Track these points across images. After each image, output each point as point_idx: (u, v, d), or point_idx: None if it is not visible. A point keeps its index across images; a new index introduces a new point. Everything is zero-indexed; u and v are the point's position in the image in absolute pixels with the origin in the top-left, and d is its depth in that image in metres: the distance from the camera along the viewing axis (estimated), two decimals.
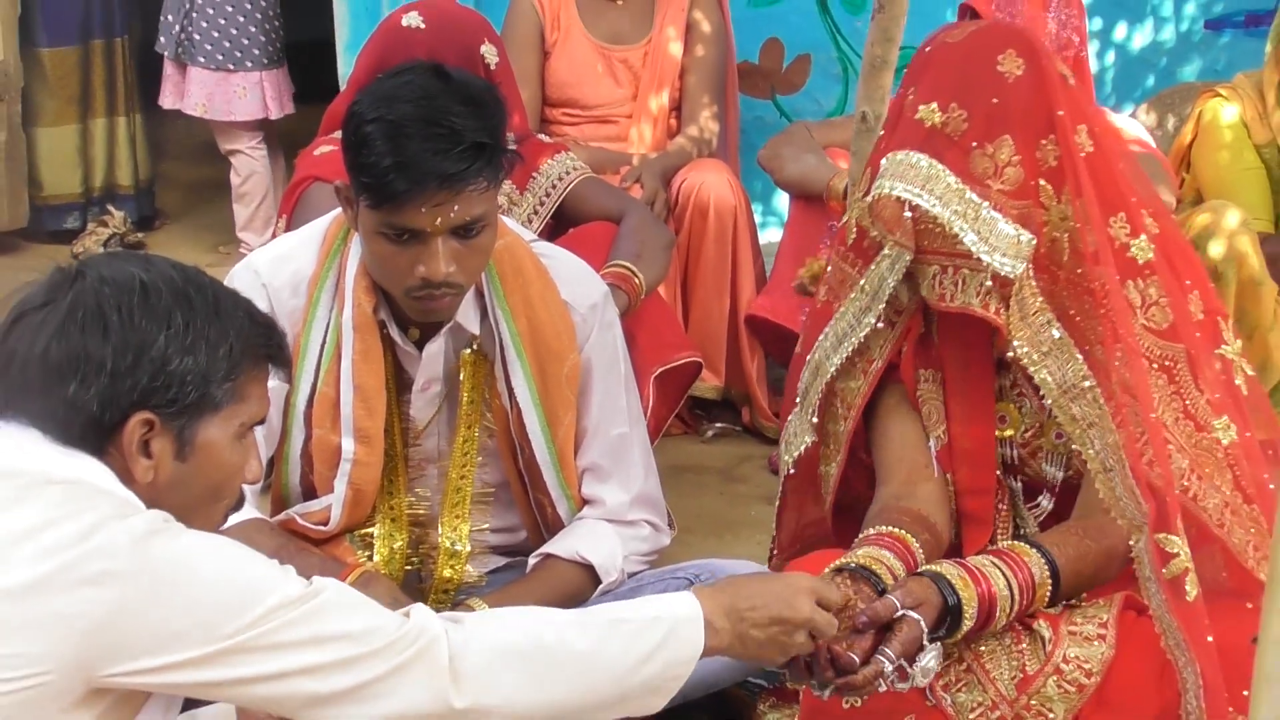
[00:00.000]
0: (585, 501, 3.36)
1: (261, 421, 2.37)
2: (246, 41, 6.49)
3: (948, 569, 2.89)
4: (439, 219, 2.94)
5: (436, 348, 3.22)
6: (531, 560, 3.28)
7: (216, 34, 6.45)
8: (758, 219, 5.02)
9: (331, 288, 3.22)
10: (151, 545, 2.07)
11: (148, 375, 2.17)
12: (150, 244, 6.87)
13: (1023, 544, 3.00)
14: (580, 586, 3.25)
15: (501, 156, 3.03)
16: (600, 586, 3.28)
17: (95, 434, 2.16)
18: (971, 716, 3.01)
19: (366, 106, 3.01)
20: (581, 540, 3.27)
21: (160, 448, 2.20)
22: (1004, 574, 2.93)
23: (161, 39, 6.57)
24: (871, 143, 3.98)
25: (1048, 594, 2.98)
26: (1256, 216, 4.71)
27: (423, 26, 4.06)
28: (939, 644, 2.83)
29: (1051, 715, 2.97)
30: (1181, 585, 2.85)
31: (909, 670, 2.77)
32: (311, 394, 3.24)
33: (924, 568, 2.94)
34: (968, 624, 2.87)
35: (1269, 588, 2.07)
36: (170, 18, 6.50)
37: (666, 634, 2.41)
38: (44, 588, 2.02)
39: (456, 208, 2.94)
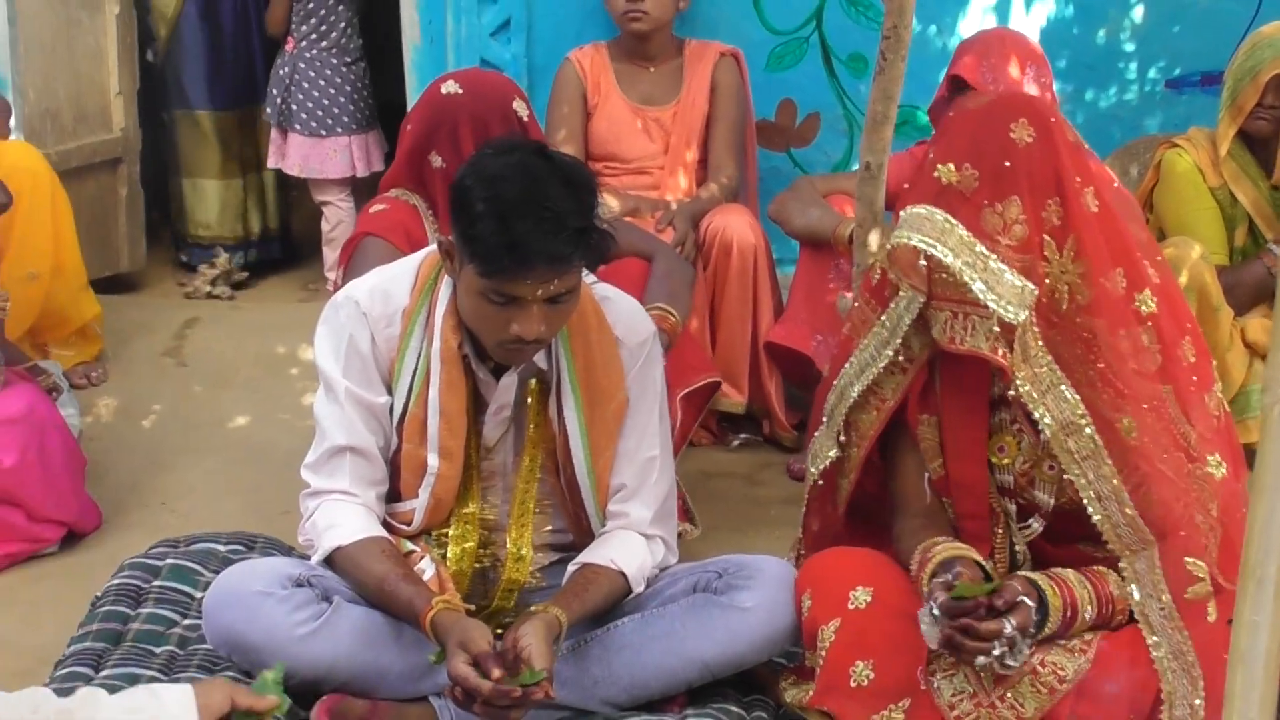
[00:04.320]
0: (611, 514, 3.33)
1: None
2: (337, 110, 6.59)
3: (1039, 577, 2.96)
4: (540, 291, 2.95)
5: (509, 380, 3.23)
6: (571, 568, 3.25)
7: (311, 104, 6.55)
8: (775, 257, 4.99)
9: (423, 321, 3.21)
10: None
11: None
12: (255, 281, 6.97)
13: (1104, 567, 3.01)
14: (619, 591, 3.23)
15: (598, 239, 3.02)
16: (630, 597, 3.26)
17: None
18: (953, 700, 3.01)
19: (475, 183, 2.99)
20: (616, 551, 3.25)
21: None
22: (1086, 588, 2.97)
23: (268, 109, 6.66)
24: (875, 189, 3.99)
25: (1125, 609, 3.00)
26: (1214, 251, 4.71)
27: (460, 92, 4.02)
28: (1032, 641, 2.89)
29: (1022, 710, 2.97)
30: (1203, 609, 2.83)
31: (1017, 647, 2.85)
32: (404, 413, 3.23)
33: (1024, 573, 3.01)
34: (1052, 626, 2.93)
35: (1241, 577, 2.02)
36: (274, 90, 6.61)
37: None
38: None
39: (556, 282, 2.95)
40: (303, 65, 6.55)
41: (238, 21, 6.80)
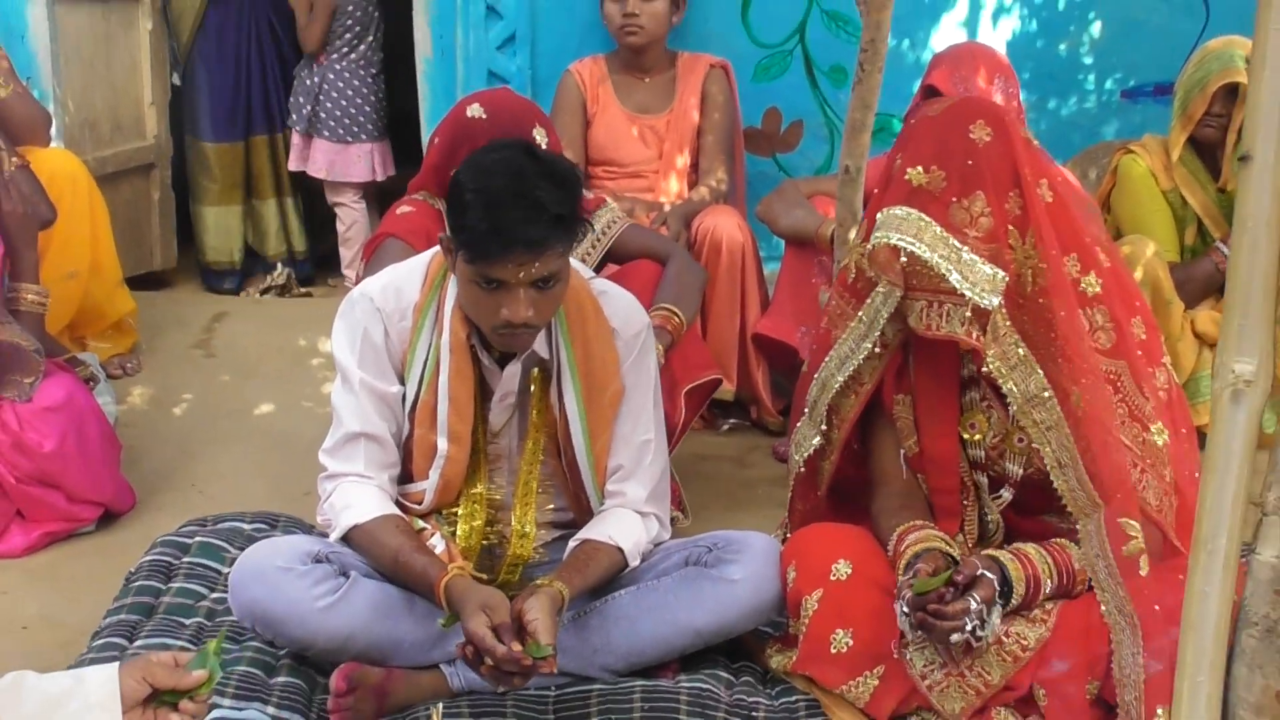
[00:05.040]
0: (609, 493, 3.31)
1: None
2: (362, 119, 6.58)
3: (1001, 554, 2.99)
4: (522, 274, 2.94)
5: (513, 369, 3.22)
6: (571, 543, 3.23)
7: (339, 113, 6.54)
8: (762, 254, 4.98)
9: (433, 316, 3.21)
10: None
11: None
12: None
13: (1066, 540, 3.03)
14: (617, 565, 3.21)
15: (577, 225, 3.02)
16: (626, 570, 3.25)
17: None
18: (924, 670, 3.04)
19: (467, 178, 3.00)
20: (614, 528, 3.23)
21: None
22: (1046, 560, 3.00)
23: (293, 116, 6.63)
24: (854, 190, 3.99)
25: (1085, 579, 3.01)
26: (1166, 249, 4.77)
27: (484, 117, 3.97)
28: (999, 610, 2.92)
29: (989, 678, 2.99)
30: (1136, 563, 2.86)
31: (986, 619, 2.88)
32: (415, 400, 3.22)
33: (986, 552, 3.03)
34: (1017, 598, 2.95)
35: (1192, 553, 2.01)
36: (301, 99, 6.58)
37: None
38: None
39: (537, 265, 2.94)
40: (332, 76, 6.53)
41: (247, 51, 6.68)
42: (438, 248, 3.28)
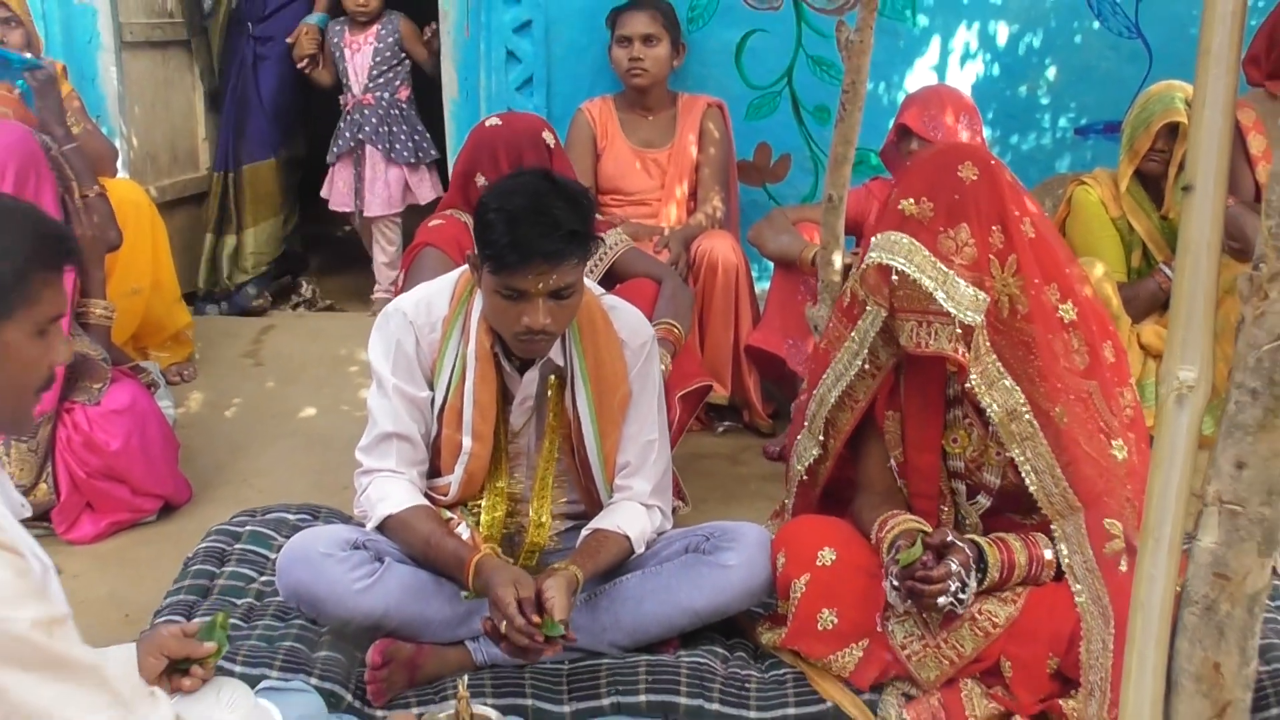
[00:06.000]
0: (617, 487, 3.32)
1: (60, 317, 2.08)
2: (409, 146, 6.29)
3: (979, 538, 3.02)
4: (540, 284, 2.95)
5: (532, 375, 3.22)
6: (584, 532, 3.23)
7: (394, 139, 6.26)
8: (754, 274, 4.98)
9: (460, 328, 3.22)
10: None
11: None
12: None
13: (1036, 533, 3.04)
14: (624, 552, 3.22)
15: (590, 241, 3.03)
16: (632, 557, 3.25)
17: None
18: (904, 641, 3.04)
19: (492, 200, 3.02)
20: (622, 518, 3.24)
21: None
22: (1024, 550, 3.01)
23: (333, 149, 6.31)
24: (836, 217, 4.00)
25: (1053, 569, 3.02)
26: (1115, 270, 4.77)
27: (500, 124, 4.09)
28: (975, 577, 2.94)
29: (962, 649, 3.00)
30: (1117, 561, 2.86)
31: (966, 584, 2.91)
32: (444, 403, 3.22)
33: (967, 535, 3.04)
34: (992, 577, 2.97)
35: (1140, 540, 2.01)
36: (341, 140, 6.26)
37: None
38: None
39: (554, 277, 2.96)
40: (369, 110, 6.24)
41: (250, 91, 6.43)
42: (463, 269, 3.29)
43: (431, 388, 3.25)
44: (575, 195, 3.04)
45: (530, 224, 2.93)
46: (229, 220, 6.51)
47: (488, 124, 4.12)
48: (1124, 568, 2.83)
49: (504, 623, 2.86)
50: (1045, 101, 5.75)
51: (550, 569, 3.05)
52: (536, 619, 2.84)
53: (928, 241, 2.88)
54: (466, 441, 3.22)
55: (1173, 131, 4.63)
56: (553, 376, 3.26)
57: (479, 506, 3.31)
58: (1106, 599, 2.84)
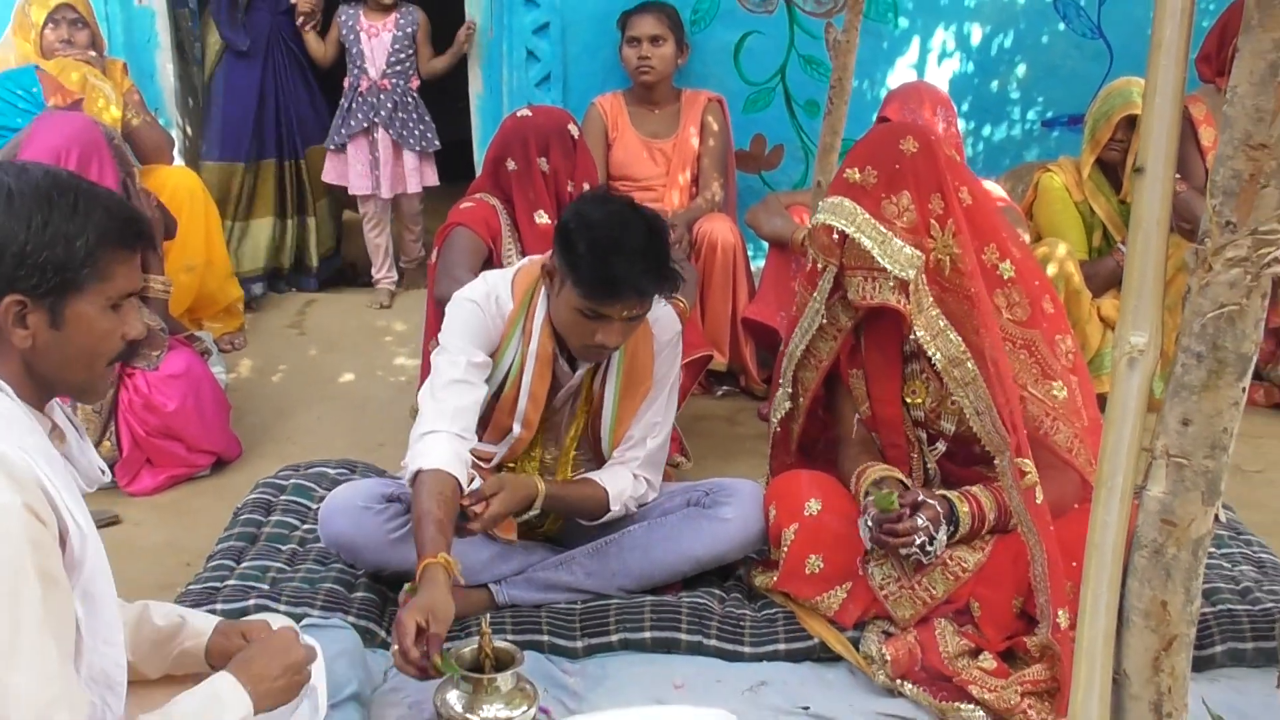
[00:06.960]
0: (616, 455, 3.29)
1: (133, 293, 2.01)
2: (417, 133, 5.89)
3: (951, 494, 3.01)
4: (625, 312, 2.94)
5: (582, 370, 3.21)
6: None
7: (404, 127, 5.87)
8: (750, 253, 4.97)
9: (521, 325, 3.16)
10: None
11: (12, 266, 1.87)
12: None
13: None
14: (597, 501, 3.20)
15: (675, 277, 2.99)
16: (609, 514, 3.22)
17: None
18: (882, 583, 3.05)
19: (579, 226, 2.95)
20: (608, 475, 3.23)
21: (35, 320, 1.90)
22: (990, 500, 3.00)
23: (334, 137, 5.90)
24: None
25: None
26: (1077, 249, 4.77)
27: (530, 115, 4.07)
28: (945, 531, 2.94)
29: (934, 591, 3.01)
30: (1034, 493, 2.85)
31: (934, 537, 2.91)
32: (498, 394, 3.18)
33: (940, 492, 3.03)
34: (963, 529, 2.97)
35: (1095, 490, 2.01)
36: (353, 121, 5.81)
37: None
38: None
39: (638, 308, 2.95)
40: (385, 94, 5.81)
41: (256, 83, 5.96)
42: (513, 268, 3.25)
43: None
44: (657, 227, 2.99)
45: (622, 260, 2.88)
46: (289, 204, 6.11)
47: (519, 115, 4.10)
48: (1039, 499, 2.82)
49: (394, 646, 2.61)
50: (1015, 96, 5.73)
51: (518, 474, 3.12)
52: (415, 653, 2.54)
53: (870, 207, 2.90)
54: (516, 428, 3.20)
55: (1131, 123, 4.62)
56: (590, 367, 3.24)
57: (510, 468, 3.29)
58: (1031, 525, 2.84)
